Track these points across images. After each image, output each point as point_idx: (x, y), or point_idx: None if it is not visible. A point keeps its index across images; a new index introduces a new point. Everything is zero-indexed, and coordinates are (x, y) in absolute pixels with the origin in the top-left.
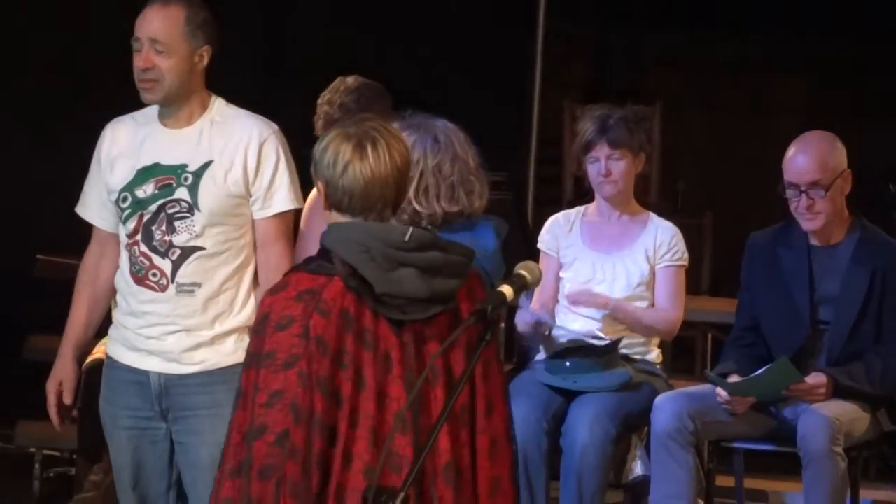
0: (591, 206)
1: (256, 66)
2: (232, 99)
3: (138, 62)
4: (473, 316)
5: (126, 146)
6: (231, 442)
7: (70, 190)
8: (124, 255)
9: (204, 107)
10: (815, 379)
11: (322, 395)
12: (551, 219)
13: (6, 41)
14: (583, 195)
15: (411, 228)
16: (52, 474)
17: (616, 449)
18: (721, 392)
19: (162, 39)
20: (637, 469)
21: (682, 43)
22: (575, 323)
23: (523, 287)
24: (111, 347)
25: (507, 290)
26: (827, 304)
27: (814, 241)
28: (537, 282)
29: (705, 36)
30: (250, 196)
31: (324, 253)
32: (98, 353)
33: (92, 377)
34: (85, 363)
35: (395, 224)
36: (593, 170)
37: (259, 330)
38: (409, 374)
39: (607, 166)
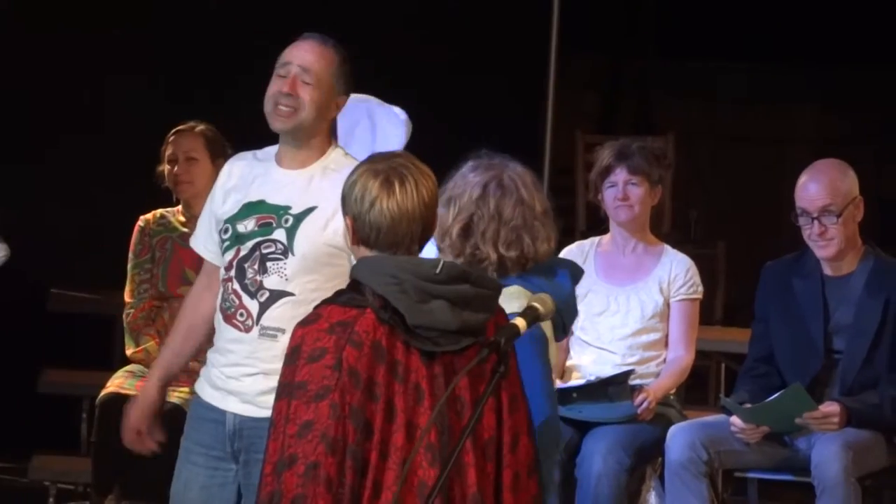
0: (606, 237)
1: None
2: None
3: (281, 86)
4: (487, 348)
5: (239, 180)
6: (263, 473)
7: (83, 224)
8: (220, 291)
9: (321, 153)
10: (829, 408)
11: (354, 426)
12: (565, 250)
13: (15, 69)
14: (597, 225)
15: (442, 261)
16: None
17: (630, 479)
18: (735, 421)
19: (313, 70)
20: (651, 500)
21: (694, 73)
22: (586, 356)
23: (536, 319)
24: (198, 384)
25: (520, 322)
26: (841, 334)
27: (827, 271)
28: (551, 314)
29: (717, 66)
30: (350, 249)
31: (354, 285)
32: (112, 386)
33: (106, 411)
34: (99, 397)
35: (425, 257)
36: (610, 194)
37: (291, 361)
38: (440, 406)
39: (625, 191)
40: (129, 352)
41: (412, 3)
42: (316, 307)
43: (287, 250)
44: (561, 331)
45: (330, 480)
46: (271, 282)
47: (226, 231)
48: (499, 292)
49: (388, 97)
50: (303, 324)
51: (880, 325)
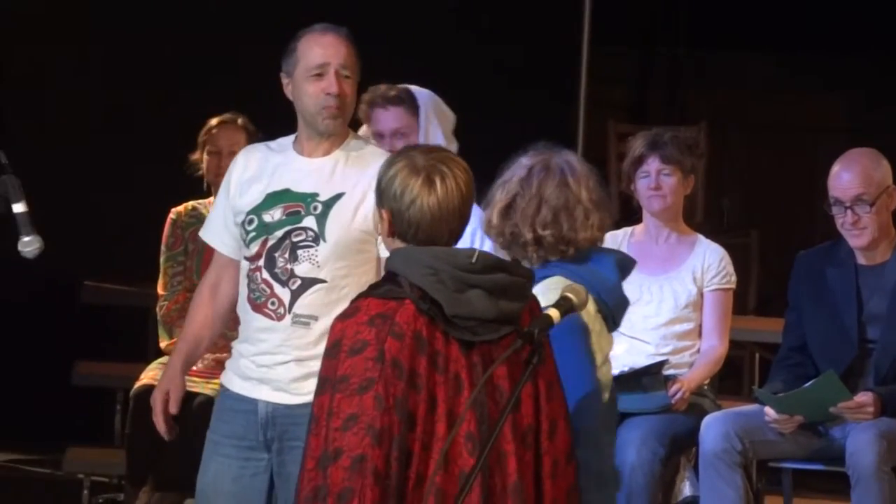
0: (639, 227)
1: None
2: None
3: (329, 88)
4: (521, 339)
5: (257, 171)
6: (305, 468)
7: (116, 216)
8: (244, 282)
9: (342, 140)
10: (863, 398)
11: (399, 417)
12: None
13: (49, 73)
14: (630, 215)
15: (477, 251)
16: (101, 500)
17: (664, 470)
18: (769, 411)
19: (349, 65)
20: (686, 490)
21: (725, 62)
22: (619, 346)
23: (570, 310)
24: (224, 376)
25: (553, 313)
26: (874, 323)
27: (861, 260)
28: (584, 304)
29: (748, 55)
30: (378, 234)
31: (390, 277)
32: (146, 378)
33: (140, 403)
34: (133, 389)
35: (460, 247)
36: (643, 184)
37: (332, 355)
38: (477, 395)
39: (658, 180)
40: (162, 344)
41: None
42: (353, 301)
43: (318, 237)
44: (611, 322)
45: (378, 472)
46: (302, 269)
47: (250, 222)
48: (532, 280)
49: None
50: (342, 318)
51: None
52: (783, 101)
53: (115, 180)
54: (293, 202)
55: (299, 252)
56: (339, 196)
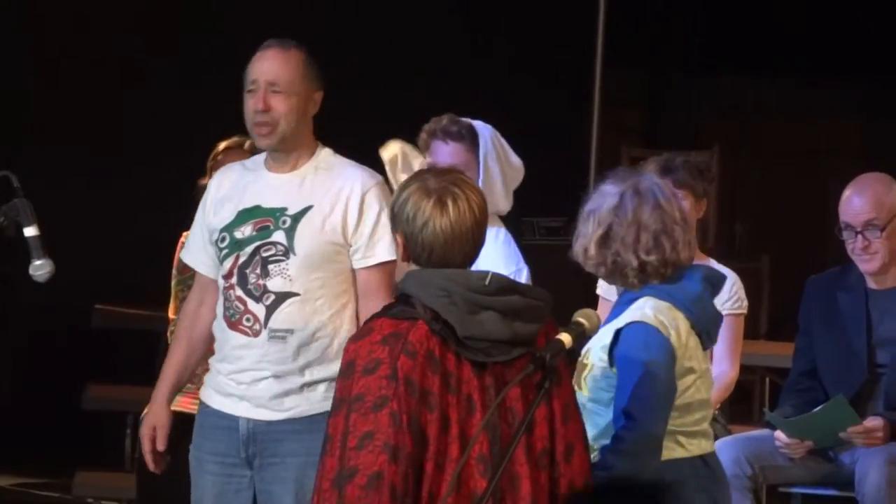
0: None
1: None
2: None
3: (255, 104)
4: (533, 364)
5: (231, 189)
6: (321, 488)
7: (127, 240)
8: (220, 300)
9: (310, 154)
10: (873, 422)
11: (412, 435)
12: None
13: (68, 92)
14: None
15: (490, 273)
16: None
17: None
18: (780, 436)
19: (281, 81)
20: None
21: (738, 86)
22: None
23: (582, 334)
24: (204, 392)
25: (565, 337)
26: (885, 348)
27: (871, 285)
28: (595, 329)
29: (761, 80)
30: (349, 245)
31: (403, 299)
32: None
33: None
34: (142, 413)
35: (474, 270)
36: None
37: (346, 375)
38: (490, 416)
39: None
40: None
41: (461, 19)
42: (366, 322)
43: (288, 251)
44: (705, 337)
45: (395, 489)
46: (275, 284)
47: (223, 240)
48: (549, 303)
49: (439, 111)
50: (355, 339)
51: None
52: (795, 125)
53: (126, 205)
54: (263, 217)
55: (270, 267)
56: (307, 209)
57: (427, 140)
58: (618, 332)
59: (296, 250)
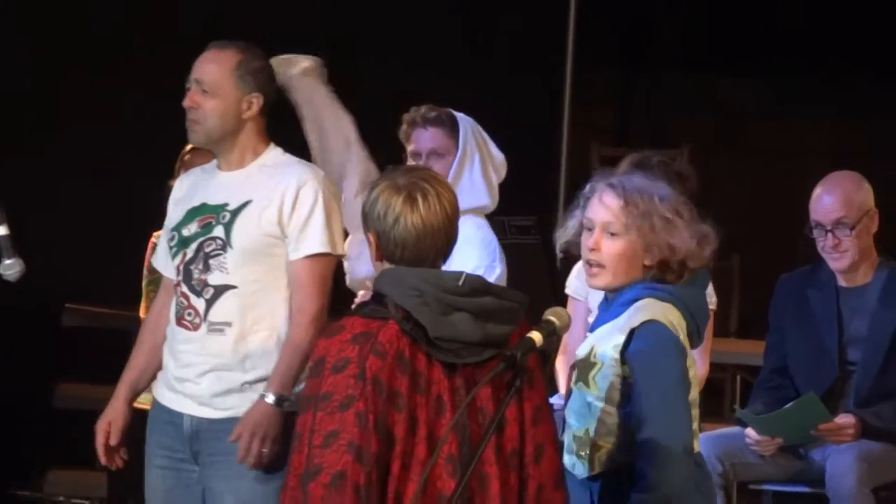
0: None
1: None
2: None
3: (186, 101)
4: (503, 362)
5: (187, 192)
6: (288, 486)
7: (99, 239)
8: (173, 299)
9: (256, 154)
10: (844, 419)
11: (378, 435)
12: (579, 263)
13: (44, 94)
14: None
15: (464, 274)
16: None
17: None
18: (750, 433)
19: (208, 81)
20: None
21: (709, 86)
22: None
23: (552, 333)
24: (155, 387)
25: (536, 335)
26: (855, 345)
27: (842, 282)
28: (566, 327)
29: (731, 79)
30: (285, 238)
31: (377, 298)
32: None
33: None
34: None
35: (448, 270)
36: None
37: (315, 372)
38: (460, 417)
39: None
40: None
41: (432, 16)
42: (338, 320)
43: (226, 244)
44: (696, 339)
45: (358, 489)
46: (214, 278)
47: (172, 239)
48: (524, 305)
49: (400, 106)
50: (326, 335)
51: (894, 337)
52: (766, 124)
53: (97, 204)
54: (207, 214)
55: (210, 262)
56: (246, 203)
57: (408, 130)
58: (631, 332)
59: (233, 244)
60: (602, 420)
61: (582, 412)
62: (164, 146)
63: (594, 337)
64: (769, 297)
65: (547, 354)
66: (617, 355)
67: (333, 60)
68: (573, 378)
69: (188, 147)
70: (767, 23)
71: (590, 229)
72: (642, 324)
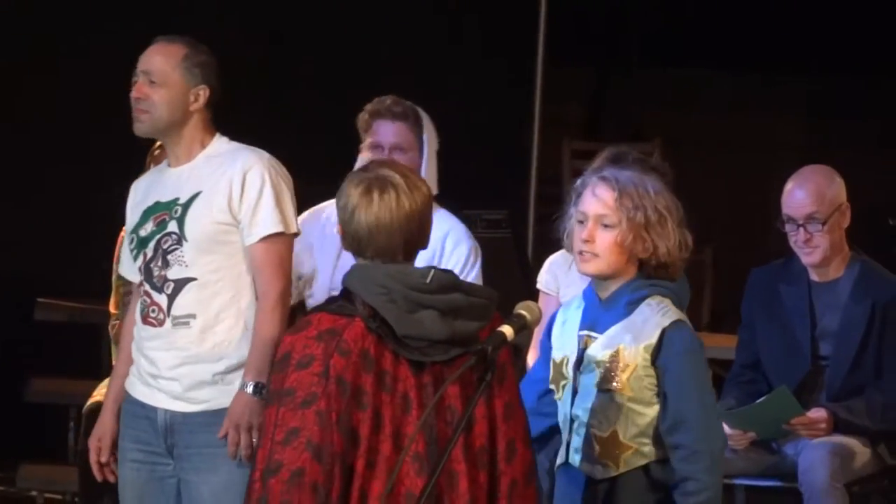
0: None
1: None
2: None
3: (133, 93)
4: (474, 357)
5: (141, 194)
6: (252, 479)
7: (70, 234)
8: (138, 300)
9: (203, 145)
10: (816, 414)
11: (341, 433)
12: (551, 258)
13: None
14: None
15: (433, 270)
16: None
17: None
18: (723, 428)
19: (155, 72)
20: None
21: (680, 80)
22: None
23: (523, 327)
24: (128, 381)
25: (507, 329)
26: (827, 340)
27: (814, 277)
28: (537, 321)
29: (703, 73)
30: (238, 223)
31: (346, 293)
32: (98, 395)
33: (92, 420)
34: (85, 406)
35: (417, 267)
36: None
37: (280, 367)
38: (427, 416)
39: None
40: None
41: (398, 15)
42: (306, 314)
43: (181, 238)
44: None
45: (316, 487)
46: (174, 272)
47: (132, 241)
48: (494, 301)
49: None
50: (293, 331)
51: (866, 331)
52: (737, 118)
53: (68, 198)
54: (161, 212)
55: (168, 257)
56: (196, 195)
57: (369, 120)
58: (662, 332)
59: (187, 236)
60: (634, 421)
61: (608, 413)
62: (135, 140)
63: (608, 337)
64: (741, 291)
65: (519, 349)
66: (648, 355)
67: (303, 46)
68: (594, 380)
69: (158, 142)
70: (738, 18)
71: (582, 222)
72: (672, 325)
